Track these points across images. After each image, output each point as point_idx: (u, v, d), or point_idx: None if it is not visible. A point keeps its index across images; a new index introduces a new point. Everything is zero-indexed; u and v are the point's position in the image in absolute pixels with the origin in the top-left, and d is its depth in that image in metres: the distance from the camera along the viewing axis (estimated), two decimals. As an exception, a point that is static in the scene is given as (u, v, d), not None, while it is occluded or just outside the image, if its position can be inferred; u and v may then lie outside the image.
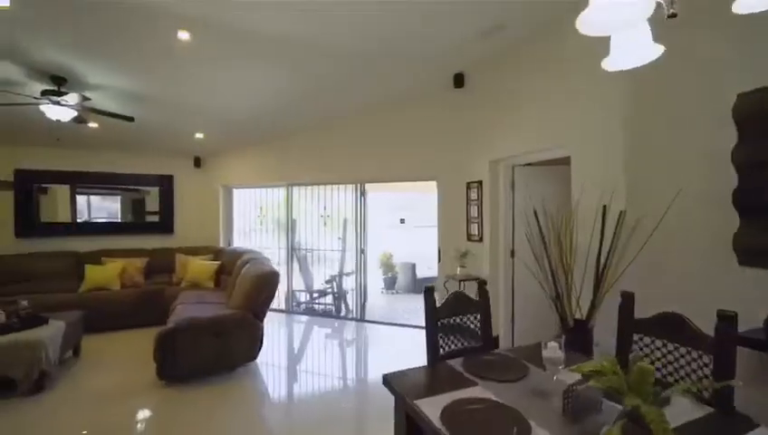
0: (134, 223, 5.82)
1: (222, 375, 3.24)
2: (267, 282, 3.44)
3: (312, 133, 5.23)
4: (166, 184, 5.87)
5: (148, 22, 2.78)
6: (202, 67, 3.55)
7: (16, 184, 5.04)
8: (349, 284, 5.44)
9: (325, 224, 5.63)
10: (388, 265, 7.62)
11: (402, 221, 7.83)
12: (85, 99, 3.77)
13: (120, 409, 2.74)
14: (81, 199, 5.56)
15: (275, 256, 5.88)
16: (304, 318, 5.42)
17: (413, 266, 7.30)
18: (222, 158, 6.03)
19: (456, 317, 1.94)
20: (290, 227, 5.63)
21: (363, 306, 5.26)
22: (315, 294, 5.69)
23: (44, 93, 3.52)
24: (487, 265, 3.89)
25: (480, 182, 3.98)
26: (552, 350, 1.32)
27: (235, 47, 3.24)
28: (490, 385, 1.43)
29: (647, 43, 1.14)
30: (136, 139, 5.12)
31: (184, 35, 3.07)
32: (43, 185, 5.26)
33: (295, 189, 5.61)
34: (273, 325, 5.04)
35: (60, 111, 3.60)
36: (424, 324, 1.82)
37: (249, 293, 3.40)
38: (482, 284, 2.02)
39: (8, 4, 2.51)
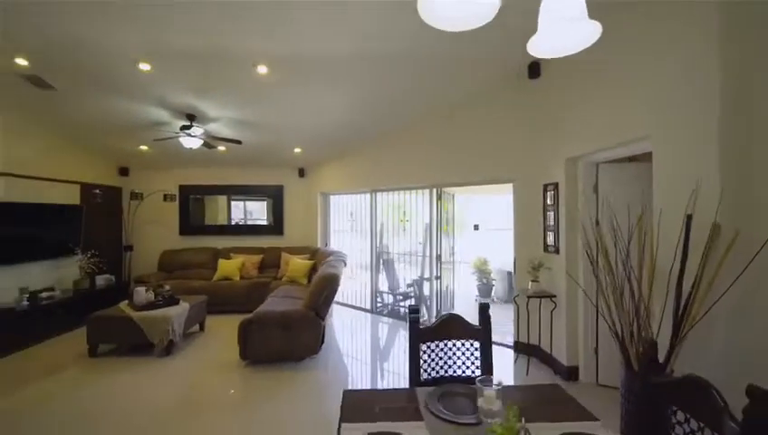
0: (256, 225, 7.04)
1: (289, 364, 3.66)
2: (327, 283, 3.74)
3: (389, 139, 5.38)
4: (278, 192, 6.92)
5: (233, 61, 3.37)
6: (284, 93, 4.08)
7: (180, 196, 6.72)
8: (432, 288, 5.36)
9: (404, 229, 5.71)
10: (483, 272, 7.18)
11: (476, 228, 7.25)
12: (205, 130, 4.81)
13: (209, 378, 3.42)
14: (222, 205, 7.03)
15: (364, 257, 6.26)
16: (385, 319, 5.61)
17: (509, 274, 6.69)
18: (319, 168, 6.74)
19: (446, 341, 1.78)
20: (374, 230, 5.91)
21: (439, 314, 5.12)
22: (399, 297, 5.82)
23: (182, 128, 4.63)
24: (564, 280, 3.33)
25: (556, 184, 3.43)
26: (489, 399, 1.10)
27: (307, 72, 3.63)
28: (435, 424, 1.29)
29: (578, 17, 0.86)
30: (254, 156, 6.20)
31: (262, 69, 3.62)
32: (197, 196, 6.87)
33: (379, 195, 5.86)
34: (354, 323, 5.40)
35: (191, 141, 4.67)
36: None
37: (313, 292, 3.75)
38: (484, 307, 1.79)
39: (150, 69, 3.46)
